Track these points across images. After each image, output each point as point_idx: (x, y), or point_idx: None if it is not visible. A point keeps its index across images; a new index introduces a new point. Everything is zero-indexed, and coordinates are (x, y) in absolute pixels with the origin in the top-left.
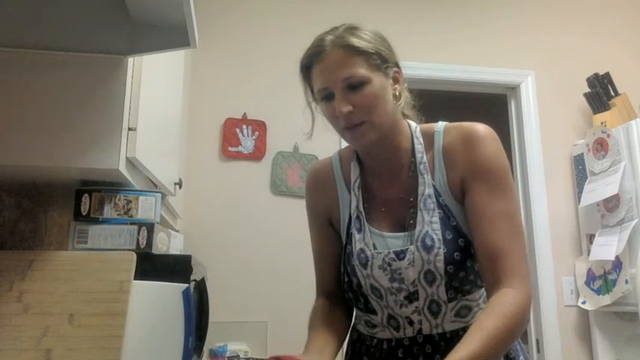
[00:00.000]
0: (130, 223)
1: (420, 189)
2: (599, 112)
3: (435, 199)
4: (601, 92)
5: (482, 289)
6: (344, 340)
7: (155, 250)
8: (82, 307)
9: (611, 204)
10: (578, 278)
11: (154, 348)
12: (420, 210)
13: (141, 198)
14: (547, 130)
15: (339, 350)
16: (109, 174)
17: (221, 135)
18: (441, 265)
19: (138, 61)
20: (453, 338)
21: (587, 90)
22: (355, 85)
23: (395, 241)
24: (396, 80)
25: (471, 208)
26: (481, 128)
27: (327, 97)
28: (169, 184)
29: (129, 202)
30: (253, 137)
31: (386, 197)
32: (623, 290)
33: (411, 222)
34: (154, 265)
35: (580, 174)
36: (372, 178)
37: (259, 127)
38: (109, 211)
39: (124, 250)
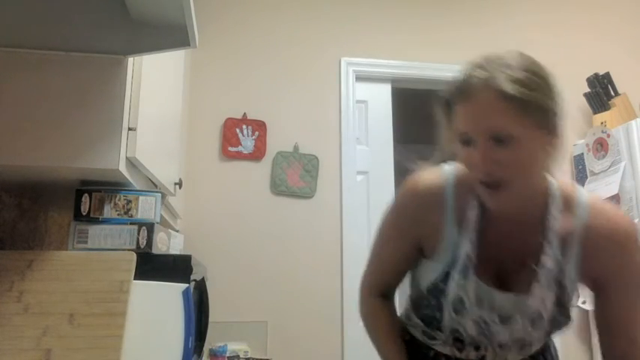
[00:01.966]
0: (130, 223)
1: (545, 259)
2: (599, 112)
3: (555, 275)
4: (601, 92)
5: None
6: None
7: (155, 250)
8: (82, 307)
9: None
10: None
11: (154, 348)
12: (539, 282)
13: (141, 198)
14: None
15: None
16: (109, 174)
17: (221, 135)
18: (539, 340)
19: (138, 61)
20: None
21: (587, 90)
22: (502, 140)
23: (503, 301)
24: (554, 134)
25: (614, 310)
26: (632, 229)
27: (466, 142)
28: (169, 184)
29: (129, 202)
30: (253, 137)
31: (501, 251)
32: None
33: (523, 287)
34: (154, 265)
35: (580, 174)
36: (491, 225)
37: (259, 127)
38: (109, 211)
39: (124, 250)
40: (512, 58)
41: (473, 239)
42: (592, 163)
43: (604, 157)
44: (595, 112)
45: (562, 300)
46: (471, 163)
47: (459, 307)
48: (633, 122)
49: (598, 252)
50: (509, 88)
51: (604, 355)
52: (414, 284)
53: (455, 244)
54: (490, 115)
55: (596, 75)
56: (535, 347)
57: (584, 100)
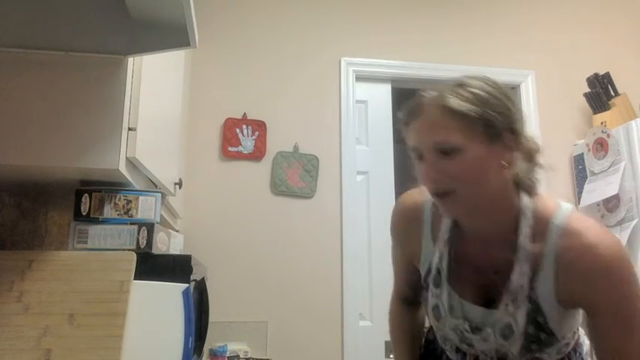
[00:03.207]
0: (130, 223)
1: (514, 277)
2: (599, 112)
3: (526, 292)
4: (601, 92)
5: (555, 347)
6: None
7: (155, 250)
8: (82, 307)
9: (611, 204)
10: None
11: (154, 348)
12: (506, 297)
13: (141, 198)
14: (547, 130)
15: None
16: (109, 174)
17: (221, 135)
18: (516, 350)
19: (138, 61)
20: None
21: (587, 90)
22: (447, 152)
23: (473, 312)
24: (507, 147)
25: (600, 338)
26: (611, 254)
27: (418, 157)
28: (169, 184)
29: (129, 202)
30: (253, 137)
31: (473, 264)
32: None
33: (494, 302)
34: (154, 265)
35: (580, 174)
36: (464, 239)
37: (259, 127)
38: (109, 211)
39: (124, 250)
40: (469, 80)
41: (443, 251)
42: (592, 163)
43: (604, 157)
44: (595, 112)
45: (537, 317)
46: (422, 176)
47: (437, 315)
48: (633, 122)
49: (572, 277)
50: (454, 103)
51: None
52: None
53: (430, 255)
54: (436, 129)
55: (596, 75)
56: (533, 357)
57: (584, 100)
